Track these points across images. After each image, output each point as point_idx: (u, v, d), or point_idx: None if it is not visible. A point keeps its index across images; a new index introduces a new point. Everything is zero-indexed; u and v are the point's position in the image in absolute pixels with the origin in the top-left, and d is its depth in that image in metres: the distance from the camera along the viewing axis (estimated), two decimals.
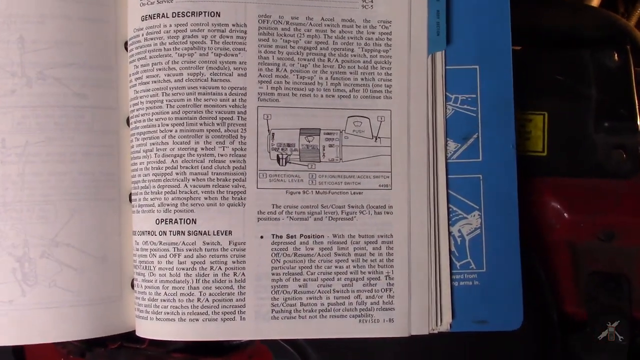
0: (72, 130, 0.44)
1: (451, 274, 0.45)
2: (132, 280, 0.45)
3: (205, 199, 0.43)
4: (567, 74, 0.48)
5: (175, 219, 0.43)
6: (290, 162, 0.44)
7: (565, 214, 0.47)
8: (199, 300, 0.42)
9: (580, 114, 0.48)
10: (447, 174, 0.45)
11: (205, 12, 0.43)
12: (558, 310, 0.46)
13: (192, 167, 0.43)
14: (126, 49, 0.45)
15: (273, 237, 0.43)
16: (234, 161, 0.43)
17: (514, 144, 0.45)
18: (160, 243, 0.43)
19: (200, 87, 0.43)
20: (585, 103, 0.48)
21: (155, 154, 0.43)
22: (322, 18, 0.44)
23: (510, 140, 0.45)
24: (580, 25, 0.51)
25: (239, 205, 0.43)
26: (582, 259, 0.47)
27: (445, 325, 0.44)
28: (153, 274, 0.43)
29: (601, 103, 0.48)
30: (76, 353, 0.51)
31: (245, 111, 0.43)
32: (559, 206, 0.47)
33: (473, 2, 0.46)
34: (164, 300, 0.42)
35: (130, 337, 0.47)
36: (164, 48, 0.43)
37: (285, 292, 0.43)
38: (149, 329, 0.43)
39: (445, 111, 0.45)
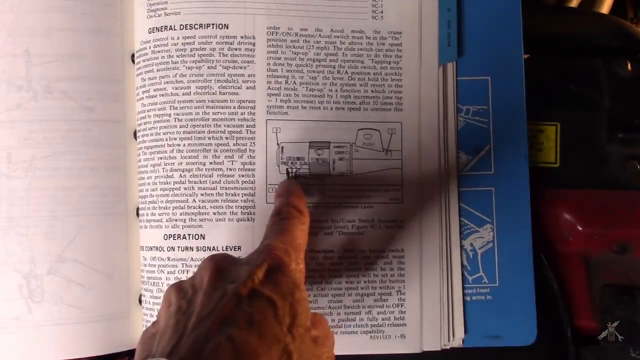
0: (79, 145, 0.43)
1: (463, 288, 0.44)
2: (140, 296, 0.44)
3: (214, 214, 0.42)
4: (579, 84, 0.48)
5: (184, 235, 0.42)
6: (300, 176, 0.43)
7: (578, 226, 0.46)
8: None
9: (593, 124, 0.47)
10: (458, 187, 0.44)
11: (213, 24, 0.43)
12: (572, 324, 0.46)
13: (200, 182, 0.42)
14: (133, 61, 0.45)
15: None
16: (242, 175, 0.43)
17: (526, 156, 0.45)
18: (169, 259, 0.42)
19: (209, 100, 0.42)
20: (598, 113, 0.47)
21: (163, 168, 0.42)
22: (332, 29, 0.44)
23: (523, 152, 0.45)
24: (592, 33, 0.51)
25: (248, 220, 0.42)
26: (597, 272, 0.46)
27: (457, 341, 0.44)
28: (161, 290, 0.42)
29: (614, 113, 0.47)
30: None
31: (254, 124, 0.43)
32: (572, 218, 0.46)
33: (484, 12, 0.45)
34: None
35: None
36: (172, 61, 0.43)
37: None
38: None
39: (457, 123, 0.45)
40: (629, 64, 0.48)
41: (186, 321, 0.30)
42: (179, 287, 0.33)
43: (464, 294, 0.44)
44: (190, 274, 0.42)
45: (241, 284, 0.30)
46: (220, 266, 0.33)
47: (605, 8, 0.66)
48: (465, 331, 0.44)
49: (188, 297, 0.31)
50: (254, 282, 0.31)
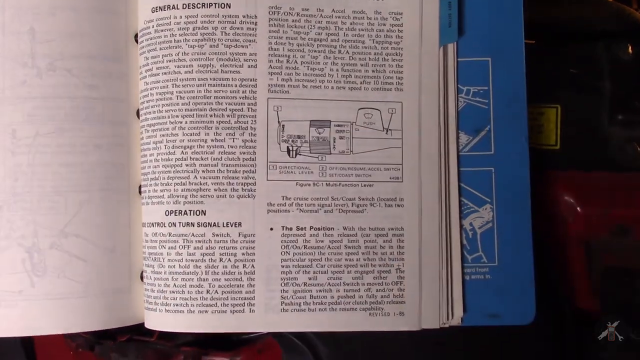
0: (83, 122, 0.44)
1: (463, 267, 0.44)
2: (142, 272, 0.45)
3: (215, 190, 0.43)
4: (580, 67, 0.48)
5: (185, 211, 0.43)
6: (300, 154, 0.43)
7: (578, 208, 0.46)
8: (208, 292, 0.42)
9: (594, 107, 0.47)
10: (458, 167, 0.45)
11: (215, 3, 0.43)
12: (571, 305, 0.46)
13: (201, 159, 0.43)
14: (136, 41, 0.45)
15: (283, 229, 0.43)
16: (243, 153, 0.43)
17: (526, 137, 0.45)
18: (170, 234, 0.43)
19: (211, 79, 0.43)
20: (599, 96, 0.47)
21: (165, 145, 0.43)
22: (333, 9, 0.44)
23: (523, 133, 0.45)
24: (594, 18, 0.51)
25: (248, 196, 0.43)
26: (596, 254, 0.46)
27: (456, 319, 0.44)
28: (162, 266, 0.43)
29: (615, 96, 0.47)
30: (85, 346, 0.51)
31: (256, 103, 0.43)
32: (572, 200, 0.47)
33: None
34: (173, 292, 0.42)
35: (139, 330, 0.47)
36: (174, 40, 0.43)
37: (295, 284, 0.43)
38: (158, 321, 0.43)
39: (457, 103, 0.45)
40: (630, 48, 0.48)
41: None
42: None
43: (463, 273, 0.44)
44: (190, 250, 0.42)
45: None
46: None
47: None
48: (464, 310, 0.44)
49: None
50: None
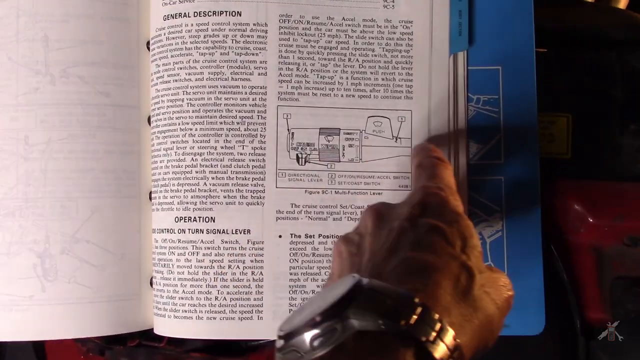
0: (95, 128, 0.44)
1: None
2: (151, 278, 0.45)
3: (225, 197, 0.43)
4: (592, 75, 0.48)
5: (194, 217, 0.43)
6: (309, 162, 0.44)
7: (589, 218, 0.46)
8: (216, 298, 0.42)
9: (605, 116, 0.47)
10: (468, 175, 0.44)
11: (226, 11, 0.44)
12: (582, 316, 0.45)
13: (211, 166, 0.43)
14: (148, 48, 0.46)
15: (291, 237, 0.43)
16: (253, 160, 0.43)
17: (537, 146, 0.44)
18: (179, 241, 0.43)
19: (221, 86, 0.43)
20: (611, 105, 0.47)
21: (176, 152, 0.43)
22: (343, 18, 0.44)
23: (533, 142, 0.45)
24: (607, 26, 0.50)
25: (257, 204, 0.43)
26: (607, 264, 0.46)
27: None
28: (172, 272, 0.43)
29: (627, 105, 0.47)
30: (95, 351, 0.51)
31: (265, 110, 0.43)
32: (583, 210, 0.46)
33: (496, 2, 0.45)
34: (182, 298, 0.43)
35: (149, 335, 0.47)
36: (186, 47, 0.44)
37: (303, 292, 0.43)
38: (167, 327, 0.43)
39: (467, 112, 0.45)
40: None
41: (360, 260, 0.30)
42: (345, 238, 0.33)
43: None
44: (200, 256, 0.42)
45: (404, 219, 0.31)
46: (380, 211, 0.33)
47: (621, 4, 0.66)
48: None
49: (356, 243, 0.32)
50: (415, 215, 0.31)
